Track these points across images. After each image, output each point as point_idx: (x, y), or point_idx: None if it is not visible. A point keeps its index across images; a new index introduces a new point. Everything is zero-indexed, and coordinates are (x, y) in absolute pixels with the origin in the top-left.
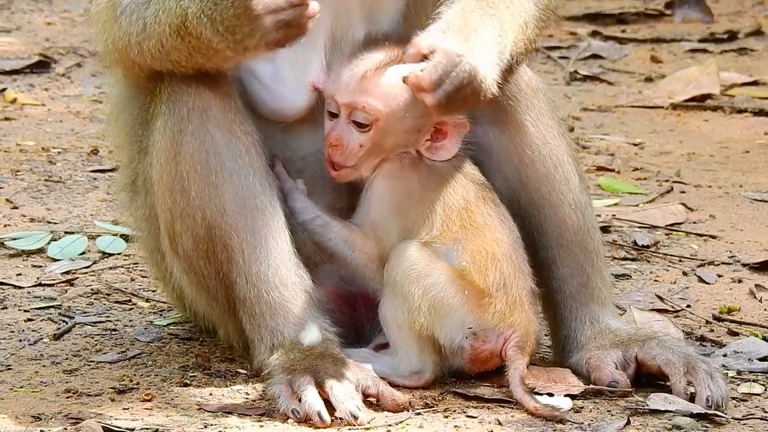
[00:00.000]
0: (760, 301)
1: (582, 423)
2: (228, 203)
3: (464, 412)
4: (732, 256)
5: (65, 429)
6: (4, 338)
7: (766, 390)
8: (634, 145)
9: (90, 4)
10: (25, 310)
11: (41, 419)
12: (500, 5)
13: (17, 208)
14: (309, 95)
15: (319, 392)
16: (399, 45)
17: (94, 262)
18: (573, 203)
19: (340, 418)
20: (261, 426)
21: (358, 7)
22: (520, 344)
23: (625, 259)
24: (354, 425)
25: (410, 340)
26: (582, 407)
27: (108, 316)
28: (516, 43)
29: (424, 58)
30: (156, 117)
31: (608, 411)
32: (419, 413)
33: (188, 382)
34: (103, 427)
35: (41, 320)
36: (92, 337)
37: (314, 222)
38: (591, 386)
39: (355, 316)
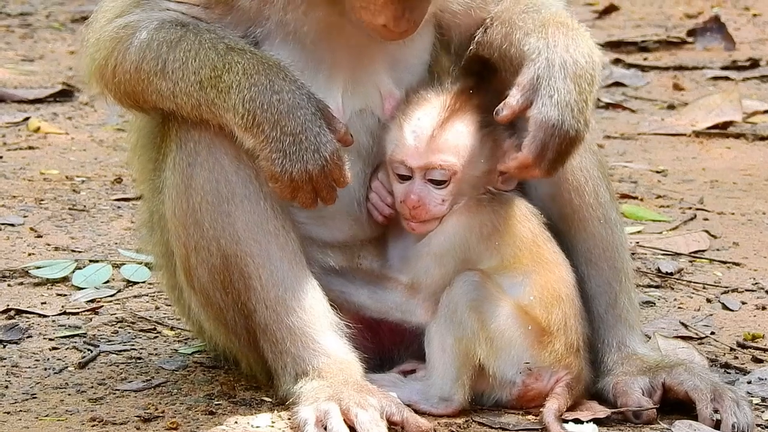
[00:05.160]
0: None
1: None
2: (241, 230)
3: None
4: (756, 283)
5: None
6: (29, 367)
7: None
8: (657, 172)
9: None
10: (50, 339)
11: None
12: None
13: (41, 236)
14: None
15: (344, 420)
16: (443, 96)
17: (119, 291)
18: (602, 218)
19: None
20: None
21: (380, 58)
22: (570, 385)
23: (649, 286)
24: None
25: (451, 366)
26: None
27: (133, 345)
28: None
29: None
30: (167, 155)
31: None
32: None
33: (213, 410)
34: None
35: (66, 349)
36: (117, 366)
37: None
38: (616, 409)
39: (378, 341)
